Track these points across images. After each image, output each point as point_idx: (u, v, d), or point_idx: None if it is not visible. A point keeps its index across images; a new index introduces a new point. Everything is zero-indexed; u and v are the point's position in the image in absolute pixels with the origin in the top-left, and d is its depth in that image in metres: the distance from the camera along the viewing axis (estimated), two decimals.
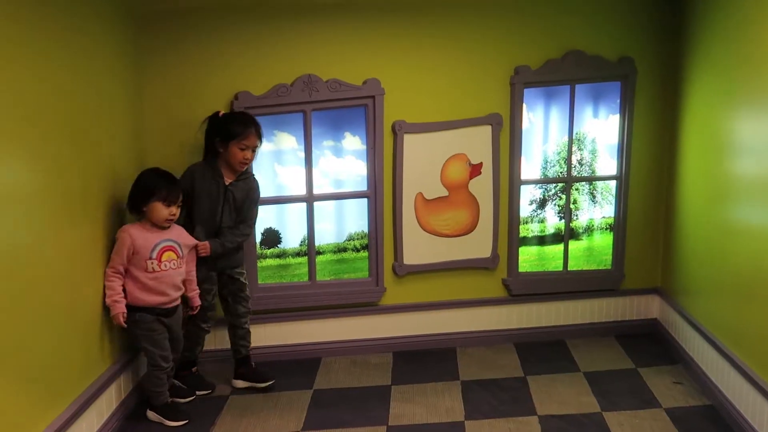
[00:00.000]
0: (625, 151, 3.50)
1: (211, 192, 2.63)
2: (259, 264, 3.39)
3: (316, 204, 3.36)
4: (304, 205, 3.37)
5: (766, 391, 2.50)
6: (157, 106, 3.23)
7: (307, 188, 3.34)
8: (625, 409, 2.93)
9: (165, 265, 2.58)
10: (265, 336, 3.47)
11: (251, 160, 2.67)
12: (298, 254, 3.42)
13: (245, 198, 2.72)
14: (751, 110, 2.62)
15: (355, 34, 3.25)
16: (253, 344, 3.21)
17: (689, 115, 3.25)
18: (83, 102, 2.59)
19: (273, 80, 3.21)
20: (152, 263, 2.55)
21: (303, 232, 3.40)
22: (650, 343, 3.57)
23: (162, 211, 2.54)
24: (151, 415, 2.84)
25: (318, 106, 3.25)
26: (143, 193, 2.55)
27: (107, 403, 2.73)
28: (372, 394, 3.14)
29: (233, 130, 2.61)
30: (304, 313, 3.46)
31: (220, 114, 2.66)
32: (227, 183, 2.66)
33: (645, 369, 3.30)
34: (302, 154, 3.32)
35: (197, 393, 3.04)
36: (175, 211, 2.57)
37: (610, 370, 3.29)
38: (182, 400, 2.95)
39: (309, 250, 3.40)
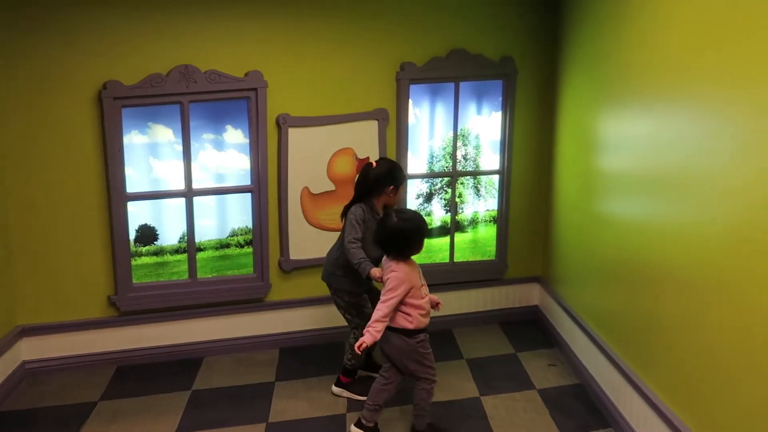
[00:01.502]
0: (507, 147, 3.65)
1: (373, 228, 2.82)
2: (133, 262, 3.25)
3: (196, 199, 3.25)
4: (182, 200, 3.25)
5: (623, 369, 2.70)
6: (18, 97, 2.99)
7: (186, 183, 3.22)
8: (502, 393, 3.07)
9: (428, 289, 2.66)
10: (140, 338, 3.34)
11: None
12: (177, 251, 3.30)
13: None
14: (613, 110, 2.82)
15: (236, 25, 3.16)
16: (126, 347, 3.07)
17: (563, 113, 3.44)
18: None
19: (146, 70, 3.07)
20: (424, 289, 2.61)
21: (182, 228, 3.29)
22: (531, 329, 3.76)
23: (421, 247, 2.63)
24: None
25: (196, 98, 3.14)
26: (418, 241, 2.58)
27: None
28: (254, 391, 3.09)
29: (400, 177, 2.88)
30: (184, 312, 3.35)
31: (374, 164, 2.84)
32: None
33: (524, 353, 3.47)
34: (180, 147, 3.20)
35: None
36: None
37: (491, 356, 3.43)
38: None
39: (189, 246, 3.29)
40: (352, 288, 2.86)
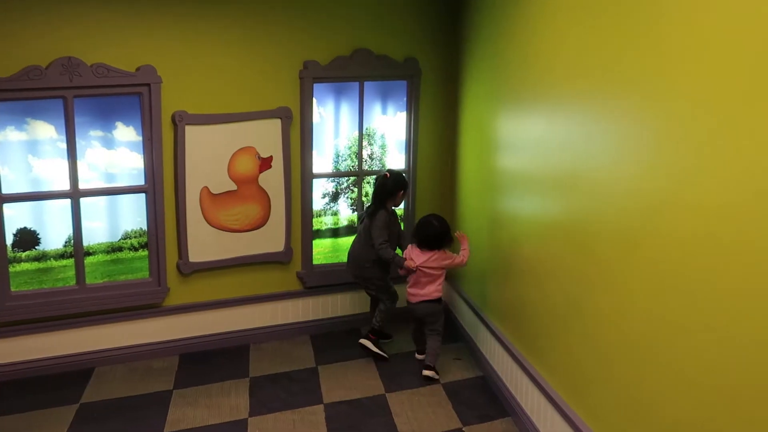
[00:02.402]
0: (412, 146, 3.70)
1: (391, 226, 3.42)
2: (11, 269, 3.01)
3: (83, 200, 3.06)
4: (68, 201, 3.05)
5: (520, 360, 2.81)
6: None
7: (72, 183, 3.03)
8: (408, 389, 3.11)
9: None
10: (21, 350, 3.10)
11: None
12: (62, 256, 3.09)
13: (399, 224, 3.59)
14: (510, 112, 2.92)
15: (126, 15, 2.99)
16: (4, 361, 2.84)
17: (466, 114, 3.54)
18: None
19: (22, 61, 2.84)
20: None
21: (68, 231, 3.08)
22: None
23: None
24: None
25: (81, 93, 2.95)
26: (452, 238, 3.36)
27: None
28: (150, 401, 2.95)
29: (406, 182, 3.45)
30: (71, 320, 3.14)
31: (387, 175, 3.35)
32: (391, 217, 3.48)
33: None
34: (63, 145, 2.99)
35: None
36: None
37: (398, 353, 3.47)
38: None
39: (76, 251, 3.09)
40: (382, 275, 3.43)
